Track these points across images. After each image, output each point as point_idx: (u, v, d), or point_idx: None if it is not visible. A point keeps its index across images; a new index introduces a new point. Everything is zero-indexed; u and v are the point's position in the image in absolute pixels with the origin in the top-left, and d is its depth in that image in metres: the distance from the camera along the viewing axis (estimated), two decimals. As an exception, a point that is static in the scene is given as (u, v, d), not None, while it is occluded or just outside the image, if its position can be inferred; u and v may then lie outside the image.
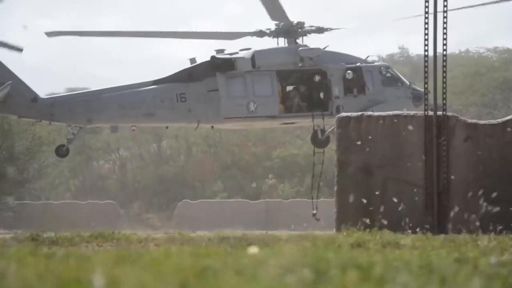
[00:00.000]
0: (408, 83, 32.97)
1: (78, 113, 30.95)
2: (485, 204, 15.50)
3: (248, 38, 32.39)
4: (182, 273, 5.97)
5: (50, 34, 32.41)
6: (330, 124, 32.67)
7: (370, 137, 15.98)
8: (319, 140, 33.41)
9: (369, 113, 16.37)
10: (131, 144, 63.65)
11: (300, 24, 32.25)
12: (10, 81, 30.40)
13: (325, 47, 32.35)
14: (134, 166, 62.66)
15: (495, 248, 9.93)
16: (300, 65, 31.91)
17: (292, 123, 33.26)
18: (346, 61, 32.27)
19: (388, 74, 32.78)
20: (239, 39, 32.35)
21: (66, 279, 5.66)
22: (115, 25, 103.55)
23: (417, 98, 31.69)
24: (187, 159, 61.72)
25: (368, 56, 33.08)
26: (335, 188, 16.04)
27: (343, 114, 16.65)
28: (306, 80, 32.19)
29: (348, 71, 31.90)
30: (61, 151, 31.90)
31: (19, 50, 31.17)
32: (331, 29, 32.43)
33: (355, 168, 15.86)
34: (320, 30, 32.33)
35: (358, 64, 32.31)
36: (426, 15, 16.08)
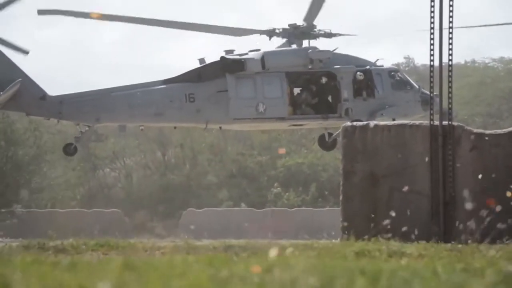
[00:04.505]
0: (417, 86, 32.89)
1: (87, 111, 30.81)
2: (491, 213, 15.48)
3: (255, 37, 32.33)
4: (188, 282, 5.98)
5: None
6: (338, 127, 32.56)
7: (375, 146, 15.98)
8: (326, 143, 33.37)
9: (375, 122, 16.38)
10: (136, 153, 63.71)
11: (312, 27, 32.21)
12: (20, 79, 30.34)
13: (335, 50, 32.29)
14: (140, 175, 62.71)
15: (501, 258, 9.91)
16: (309, 67, 31.80)
17: (301, 125, 33.10)
18: (355, 64, 32.18)
19: (398, 78, 32.71)
20: (248, 36, 32.18)
21: (72, 287, 5.67)
22: (115, 32, 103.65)
23: (426, 102, 31.56)
24: (192, 167, 61.75)
25: (377, 60, 32.97)
26: (341, 197, 16.03)
27: (348, 123, 16.65)
28: (315, 82, 32.09)
29: (358, 74, 31.81)
30: (69, 150, 31.79)
31: (25, 52, 31.14)
32: (340, 34, 32.42)
33: (361, 177, 15.85)
34: (329, 35, 32.31)
35: (367, 67, 32.23)
36: (432, 25, 16.10)
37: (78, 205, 57.53)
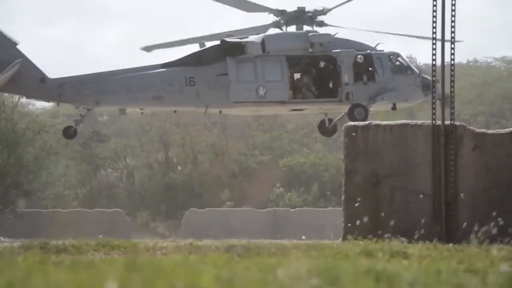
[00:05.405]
0: (417, 71, 32.78)
1: (86, 94, 30.68)
2: (493, 213, 15.47)
3: (259, 16, 32.28)
4: (190, 282, 5.97)
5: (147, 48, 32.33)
6: (339, 111, 32.57)
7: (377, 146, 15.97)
8: (326, 128, 33.31)
9: (377, 122, 16.36)
10: (138, 152, 63.72)
11: (302, 9, 32.15)
12: (20, 59, 29.92)
13: (335, 34, 32.20)
14: (142, 174, 62.73)
15: (504, 258, 9.90)
16: (310, 50, 31.70)
17: (301, 109, 32.93)
18: (356, 48, 32.05)
19: (398, 62, 32.58)
20: (254, 13, 32.10)
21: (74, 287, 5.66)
22: (120, 33, 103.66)
23: (426, 87, 31.47)
24: (194, 167, 61.76)
25: (378, 44, 32.84)
26: (343, 197, 16.02)
27: (350, 123, 16.61)
28: (315, 66, 32.01)
29: (358, 57, 31.64)
30: (69, 133, 31.62)
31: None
32: (330, 25, 32.37)
33: (363, 177, 15.84)
34: (320, 23, 32.25)
35: (368, 51, 32.08)
36: (434, 25, 16.08)
37: (80, 205, 57.56)
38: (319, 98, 31.83)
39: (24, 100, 56.05)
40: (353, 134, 15.98)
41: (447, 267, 7.54)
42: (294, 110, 32.83)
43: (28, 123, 51.12)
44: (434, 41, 16.08)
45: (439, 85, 16.64)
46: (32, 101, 59.06)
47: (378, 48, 32.65)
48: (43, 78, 30.55)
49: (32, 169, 51.49)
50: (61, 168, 57.56)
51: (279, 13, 32.18)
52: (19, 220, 49.03)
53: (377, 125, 16.11)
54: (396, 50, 33.13)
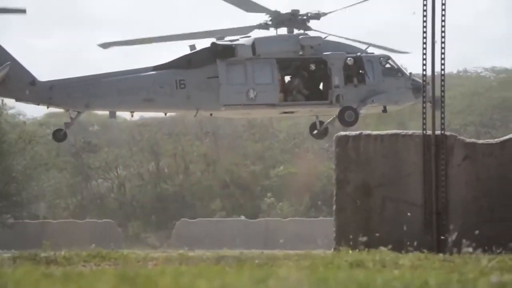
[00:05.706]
0: (408, 74, 32.82)
1: (77, 97, 30.52)
2: (484, 223, 15.49)
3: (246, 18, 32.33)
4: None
5: (104, 45, 32.14)
6: (329, 114, 32.62)
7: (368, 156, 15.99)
8: (317, 131, 33.31)
9: (368, 132, 16.39)
10: (129, 163, 63.65)
11: (296, 12, 32.22)
12: (9, 62, 29.77)
13: (326, 37, 32.25)
14: (133, 185, 62.64)
15: (494, 268, 9.91)
16: (300, 53, 31.72)
17: (291, 112, 32.98)
18: (346, 51, 32.05)
19: (388, 65, 32.59)
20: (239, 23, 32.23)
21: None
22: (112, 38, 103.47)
23: (417, 89, 31.53)
24: (185, 177, 61.71)
25: (368, 46, 32.87)
26: (334, 207, 16.03)
27: (341, 133, 16.62)
28: (306, 68, 32.06)
29: (349, 59, 31.65)
30: (59, 136, 31.44)
31: (22, 11, 30.50)
32: (330, 12, 32.38)
33: (354, 187, 15.85)
34: (317, 16, 32.25)
35: (358, 54, 32.12)
36: (424, 35, 16.14)
37: (71, 215, 57.41)
38: (310, 100, 31.86)
39: (13, 111, 55.95)
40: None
41: (437, 277, 7.54)
42: (285, 112, 32.88)
43: (20, 133, 51.04)
44: (424, 51, 16.13)
45: (429, 87, 16.67)
46: (22, 112, 59.05)
47: (369, 50, 32.72)
48: (33, 80, 30.44)
49: (22, 180, 51.34)
50: (52, 179, 57.44)
51: (262, 26, 32.28)
52: (9, 231, 48.86)
53: (368, 135, 16.13)
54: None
